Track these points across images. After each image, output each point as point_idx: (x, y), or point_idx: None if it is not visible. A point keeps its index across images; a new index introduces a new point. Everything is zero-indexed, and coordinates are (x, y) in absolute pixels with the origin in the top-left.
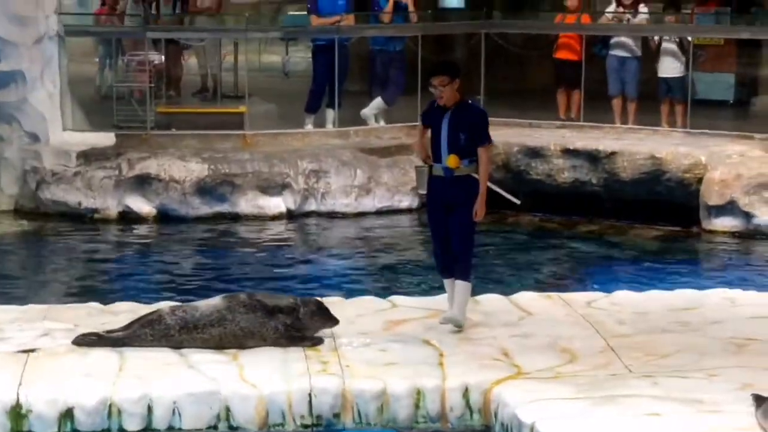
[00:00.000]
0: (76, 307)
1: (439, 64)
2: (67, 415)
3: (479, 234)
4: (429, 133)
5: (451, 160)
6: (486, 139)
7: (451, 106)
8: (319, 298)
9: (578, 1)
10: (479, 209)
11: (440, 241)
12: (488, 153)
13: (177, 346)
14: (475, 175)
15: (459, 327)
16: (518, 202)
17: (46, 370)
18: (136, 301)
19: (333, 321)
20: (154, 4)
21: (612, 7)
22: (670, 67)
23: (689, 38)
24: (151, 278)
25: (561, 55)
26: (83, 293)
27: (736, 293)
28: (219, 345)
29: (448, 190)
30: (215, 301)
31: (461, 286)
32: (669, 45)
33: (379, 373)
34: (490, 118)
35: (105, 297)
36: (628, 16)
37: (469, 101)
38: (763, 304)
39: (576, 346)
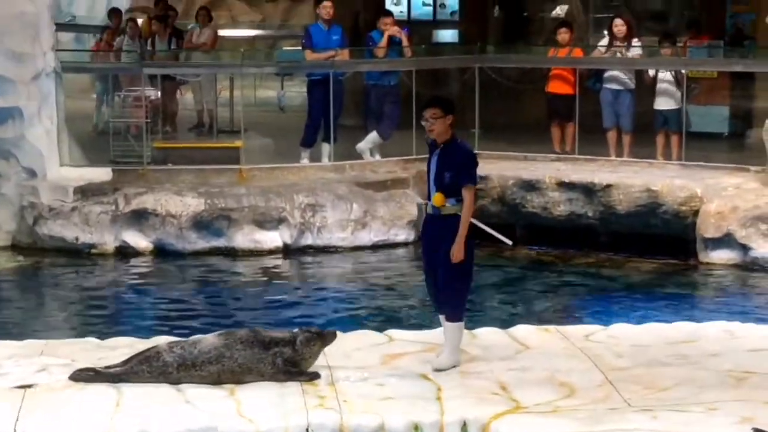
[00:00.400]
0: (73, 342)
1: (433, 97)
2: None
3: (476, 267)
4: None
5: (436, 199)
6: (469, 180)
7: (441, 144)
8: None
9: (569, 35)
10: (456, 251)
11: (431, 278)
12: (471, 194)
13: (175, 382)
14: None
15: (454, 366)
16: (510, 242)
17: (44, 405)
18: (134, 336)
19: (330, 336)
20: (149, 40)
21: (605, 41)
22: (666, 100)
23: (683, 71)
24: (149, 313)
25: (553, 88)
26: (81, 328)
27: (735, 326)
28: (217, 381)
29: (435, 229)
30: (213, 337)
31: (449, 328)
32: (666, 77)
33: (376, 407)
34: (485, 152)
35: (102, 332)
36: (622, 49)
37: (459, 141)
38: (762, 336)
39: (574, 379)
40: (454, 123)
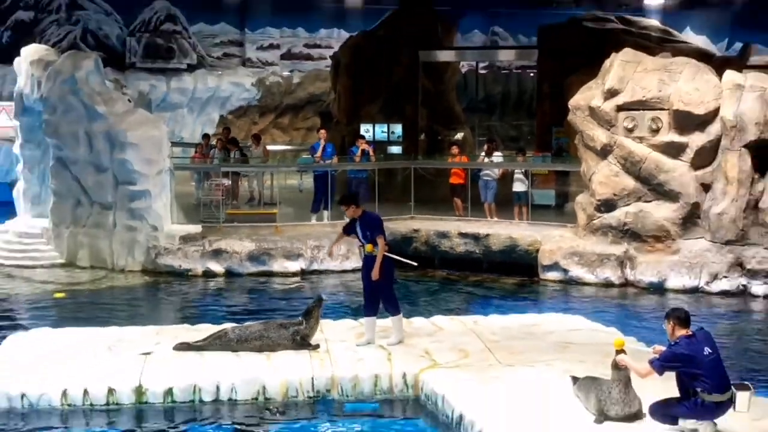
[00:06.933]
0: (176, 327)
1: (342, 198)
2: (169, 393)
3: (410, 282)
4: (348, 236)
5: (369, 248)
6: (378, 234)
7: (358, 218)
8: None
9: (458, 150)
10: (375, 273)
11: (366, 291)
12: (382, 241)
13: (234, 350)
14: (385, 254)
15: (400, 341)
16: (416, 264)
17: (158, 366)
18: (211, 323)
19: (319, 302)
20: (223, 152)
21: (483, 153)
22: (519, 185)
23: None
24: (220, 309)
25: (453, 180)
26: (181, 318)
27: (561, 316)
28: (260, 350)
29: (370, 264)
30: (257, 324)
31: (394, 319)
32: (518, 173)
33: (353, 364)
34: (418, 215)
35: (193, 321)
36: (490, 159)
37: (368, 213)
38: (576, 322)
39: (468, 348)
40: (358, 206)
